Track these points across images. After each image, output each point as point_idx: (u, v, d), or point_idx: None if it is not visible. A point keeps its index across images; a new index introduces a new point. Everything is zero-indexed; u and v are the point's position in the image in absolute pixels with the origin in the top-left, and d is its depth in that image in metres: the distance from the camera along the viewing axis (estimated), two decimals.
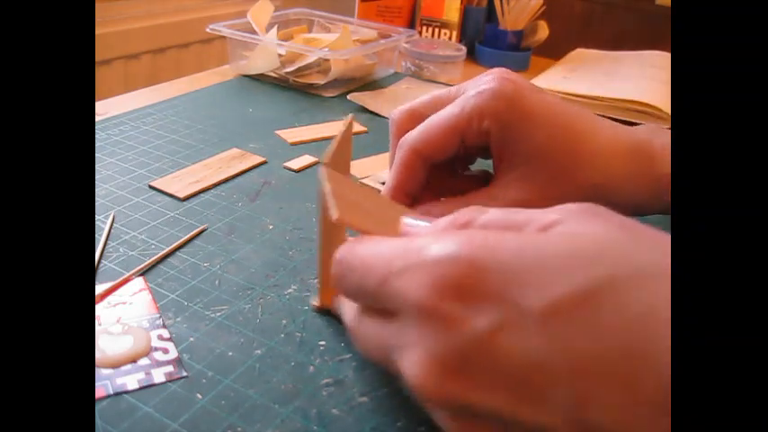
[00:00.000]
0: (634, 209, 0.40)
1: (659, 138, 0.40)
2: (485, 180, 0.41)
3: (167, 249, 0.41)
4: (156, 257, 0.40)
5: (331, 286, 0.27)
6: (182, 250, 0.42)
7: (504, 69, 0.40)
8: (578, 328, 0.19)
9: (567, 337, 0.19)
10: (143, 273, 0.39)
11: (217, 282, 0.39)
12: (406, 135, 0.40)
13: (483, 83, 0.39)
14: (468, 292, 0.20)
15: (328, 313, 0.37)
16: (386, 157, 0.57)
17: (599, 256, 0.20)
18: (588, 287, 0.19)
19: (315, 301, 0.37)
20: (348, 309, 0.28)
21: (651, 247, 0.21)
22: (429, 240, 0.22)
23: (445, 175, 0.42)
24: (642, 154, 0.39)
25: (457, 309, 0.20)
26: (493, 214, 0.25)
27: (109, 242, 0.42)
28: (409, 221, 0.27)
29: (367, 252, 0.24)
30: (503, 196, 0.39)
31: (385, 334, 0.24)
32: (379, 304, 0.24)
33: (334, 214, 0.25)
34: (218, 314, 0.36)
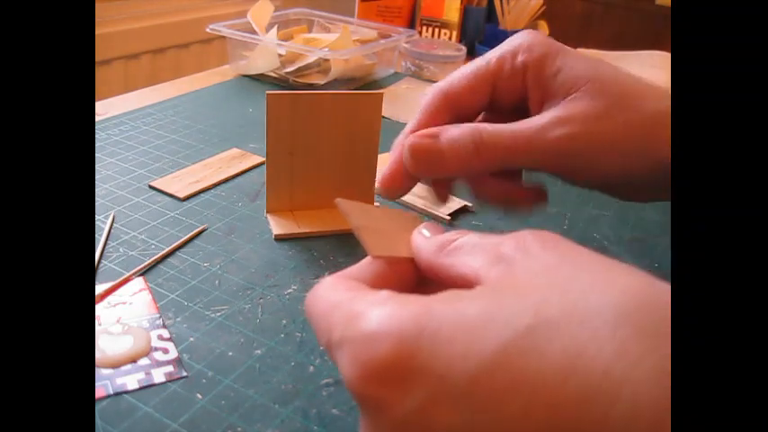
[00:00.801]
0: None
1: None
2: (538, 190, 0.37)
3: (167, 249, 0.41)
4: (156, 257, 0.40)
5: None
6: (182, 250, 0.42)
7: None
8: (502, 394, 0.18)
9: (492, 406, 0.18)
10: (143, 273, 0.39)
11: (217, 282, 0.39)
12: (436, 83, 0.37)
13: (510, 39, 0.36)
14: (395, 374, 0.20)
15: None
16: (386, 156, 0.57)
17: (521, 305, 0.19)
18: (511, 342, 0.18)
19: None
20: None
21: (588, 283, 0.20)
22: (369, 305, 0.21)
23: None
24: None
25: (384, 392, 0.20)
26: (468, 239, 0.24)
27: (109, 242, 0.42)
28: (414, 241, 0.27)
29: (320, 306, 0.24)
30: (537, 118, 0.34)
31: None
32: None
33: (370, 252, 0.26)
34: (218, 314, 0.36)
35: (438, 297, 0.21)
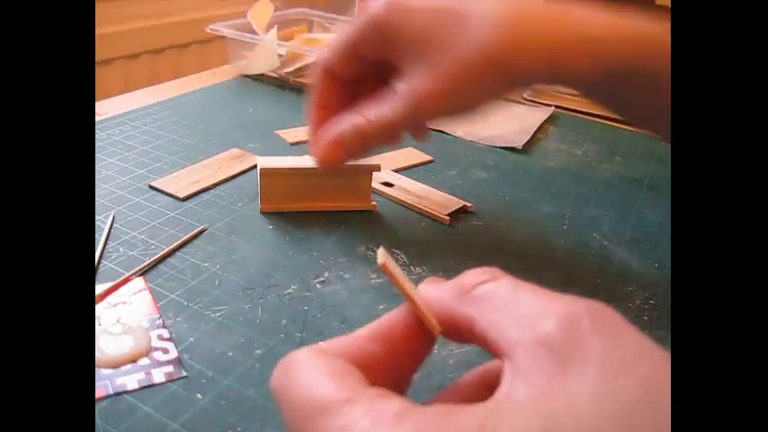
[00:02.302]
0: (555, 72, 0.38)
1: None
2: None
3: (167, 249, 0.41)
4: (156, 257, 0.40)
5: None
6: (182, 250, 0.42)
7: None
8: None
9: None
10: (143, 273, 0.39)
11: (217, 282, 0.39)
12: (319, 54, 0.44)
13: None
14: None
15: None
16: (386, 156, 0.57)
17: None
18: None
19: None
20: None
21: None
22: (369, 422, 0.17)
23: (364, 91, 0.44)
24: (549, 18, 0.38)
25: None
26: (494, 290, 0.20)
27: (109, 242, 0.42)
28: (423, 291, 0.22)
29: (297, 397, 0.18)
30: (403, 89, 0.40)
31: None
32: None
33: (437, 332, 0.21)
34: (218, 314, 0.36)
35: (472, 418, 0.16)
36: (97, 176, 0.50)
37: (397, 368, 0.21)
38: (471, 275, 0.21)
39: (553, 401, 0.16)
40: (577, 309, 0.18)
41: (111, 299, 0.36)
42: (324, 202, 0.48)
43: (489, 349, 0.19)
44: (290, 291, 0.39)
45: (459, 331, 0.20)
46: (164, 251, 0.41)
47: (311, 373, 0.18)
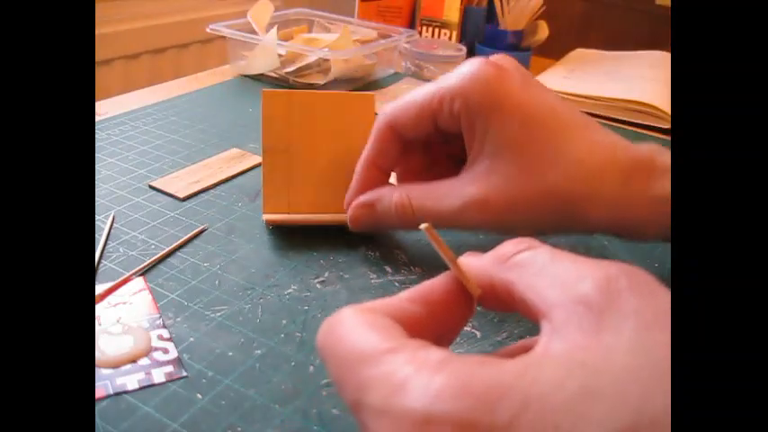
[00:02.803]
0: (621, 229, 0.37)
1: (662, 156, 0.36)
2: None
3: (167, 249, 0.41)
4: (156, 257, 0.40)
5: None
6: (182, 250, 0.42)
7: (502, 56, 0.38)
8: None
9: None
10: (143, 273, 0.39)
11: (217, 282, 0.39)
12: (385, 108, 0.40)
13: (467, 64, 0.37)
14: None
15: None
16: None
17: (615, 408, 0.16)
18: None
19: None
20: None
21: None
22: (418, 371, 0.17)
23: (424, 156, 0.42)
24: (638, 170, 0.35)
25: None
26: (534, 257, 0.21)
27: (109, 242, 0.42)
28: (464, 260, 0.23)
29: (344, 350, 0.19)
30: (458, 192, 0.37)
31: None
32: None
33: (476, 293, 0.22)
34: (218, 314, 0.36)
35: (512, 366, 0.17)
36: (97, 176, 0.50)
37: (437, 330, 0.21)
38: (510, 245, 0.21)
39: (591, 354, 0.16)
40: (614, 270, 0.18)
41: (111, 299, 0.36)
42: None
43: (527, 313, 0.20)
44: (290, 291, 0.39)
45: (498, 296, 0.21)
46: (164, 251, 0.41)
47: (355, 327, 0.19)
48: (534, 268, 0.20)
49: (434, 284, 0.22)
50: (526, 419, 0.15)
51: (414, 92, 0.39)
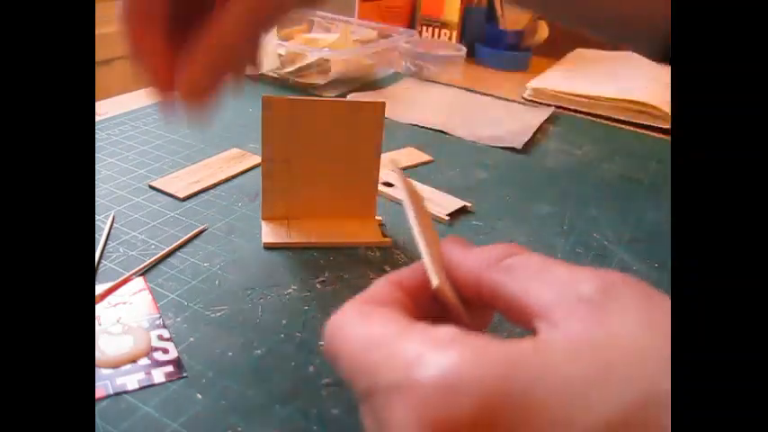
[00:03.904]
0: None
1: None
2: None
3: (167, 249, 0.41)
4: (156, 257, 0.40)
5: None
6: (182, 250, 0.42)
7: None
8: None
9: None
10: (143, 273, 0.39)
11: (217, 282, 0.39)
12: None
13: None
14: None
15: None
16: (386, 156, 0.57)
17: (627, 383, 0.16)
18: (618, 426, 0.16)
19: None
20: None
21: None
22: (430, 347, 0.17)
23: None
24: None
25: None
26: (528, 260, 0.21)
27: (109, 242, 0.42)
28: (448, 251, 0.23)
29: (352, 343, 0.19)
30: None
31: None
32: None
33: (434, 282, 0.22)
34: (218, 314, 0.36)
35: (521, 346, 0.17)
36: (97, 176, 0.50)
37: (425, 316, 0.21)
38: (502, 248, 0.21)
39: (598, 337, 0.17)
40: (611, 275, 0.19)
41: (111, 299, 0.36)
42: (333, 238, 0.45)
43: (513, 315, 0.20)
44: (289, 291, 0.39)
45: (481, 295, 0.21)
46: (164, 251, 0.41)
47: (359, 321, 0.20)
48: (528, 272, 0.20)
49: (404, 272, 0.22)
50: (543, 388, 0.16)
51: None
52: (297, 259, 0.42)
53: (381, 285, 0.22)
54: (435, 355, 0.17)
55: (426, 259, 0.22)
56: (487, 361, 0.16)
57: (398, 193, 0.22)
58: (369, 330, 0.19)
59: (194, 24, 0.34)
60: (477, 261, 0.22)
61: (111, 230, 0.43)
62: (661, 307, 0.18)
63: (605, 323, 0.17)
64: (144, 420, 0.29)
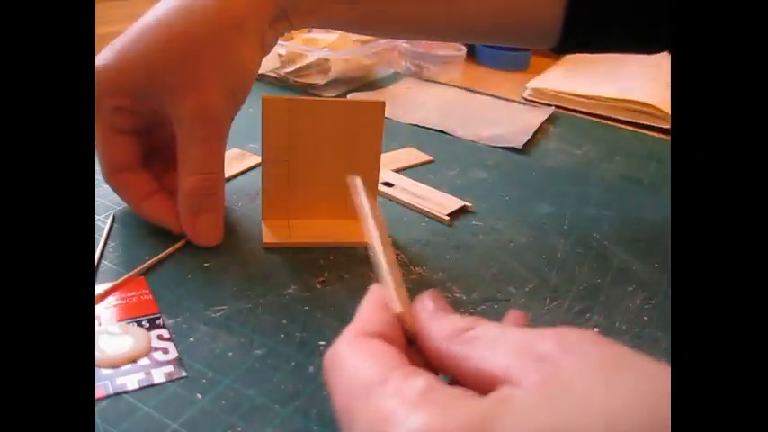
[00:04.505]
0: None
1: None
2: None
3: (168, 250, 0.41)
4: (156, 258, 0.40)
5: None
6: (182, 250, 0.42)
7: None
8: None
9: None
10: (143, 273, 0.39)
11: (217, 282, 0.39)
12: None
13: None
14: None
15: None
16: (386, 156, 0.57)
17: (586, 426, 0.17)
18: None
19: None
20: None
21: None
22: (402, 404, 0.19)
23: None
24: None
25: None
26: (487, 331, 0.22)
27: (109, 242, 0.42)
28: (421, 318, 0.24)
29: (341, 384, 0.21)
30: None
31: None
32: None
33: (397, 308, 0.23)
34: (218, 314, 0.36)
35: (485, 403, 0.18)
36: (97, 176, 0.50)
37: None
38: (462, 321, 0.23)
39: (554, 386, 0.18)
40: (563, 329, 0.20)
41: (110, 299, 0.36)
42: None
43: (478, 384, 0.21)
44: (290, 291, 0.39)
45: (444, 366, 0.23)
46: (164, 252, 0.41)
47: (350, 359, 0.21)
48: (487, 341, 0.21)
49: (370, 296, 0.24)
50: None
51: None
52: (297, 259, 0.42)
53: (372, 310, 0.24)
54: (406, 416, 0.18)
55: (390, 285, 0.23)
56: (454, 420, 0.18)
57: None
58: (355, 373, 0.21)
59: (164, 148, 0.43)
60: (440, 334, 0.23)
61: (111, 230, 0.43)
62: (612, 350, 0.19)
63: (562, 372, 0.18)
64: (144, 420, 0.29)
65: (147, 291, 0.37)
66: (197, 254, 0.41)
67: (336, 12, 0.45)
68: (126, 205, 0.46)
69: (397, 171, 0.56)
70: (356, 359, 0.21)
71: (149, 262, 0.40)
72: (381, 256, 0.24)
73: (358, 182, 0.28)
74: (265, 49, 0.44)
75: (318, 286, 0.39)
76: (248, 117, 0.66)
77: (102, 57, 0.40)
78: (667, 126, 0.73)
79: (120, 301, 0.36)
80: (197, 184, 0.40)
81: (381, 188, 0.51)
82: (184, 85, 0.39)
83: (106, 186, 0.48)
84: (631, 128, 0.74)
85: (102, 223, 0.44)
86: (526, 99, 0.80)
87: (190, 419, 0.29)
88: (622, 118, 0.75)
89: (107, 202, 0.47)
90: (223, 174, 0.42)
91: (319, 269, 0.41)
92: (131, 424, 0.29)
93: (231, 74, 0.41)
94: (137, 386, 0.31)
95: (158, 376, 0.31)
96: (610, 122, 0.75)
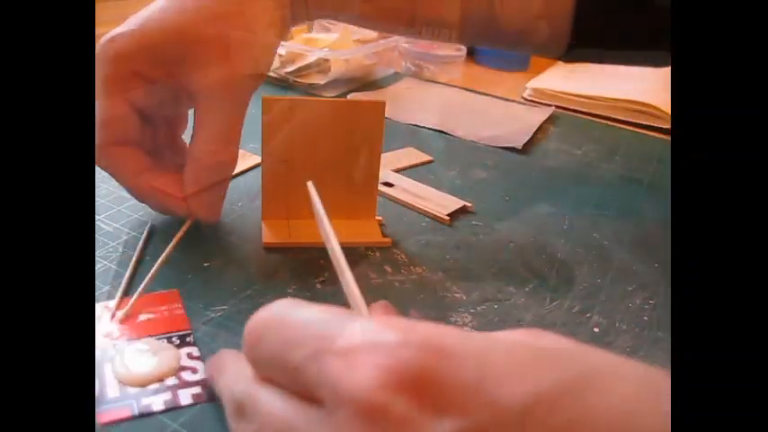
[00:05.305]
0: None
1: None
2: None
3: (168, 250, 0.41)
4: (158, 262, 0.40)
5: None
6: (181, 250, 0.42)
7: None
8: (563, 419, 0.17)
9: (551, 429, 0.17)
10: (170, 285, 0.39)
11: (217, 282, 0.39)
12: None
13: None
14: (431, 388, 0.17)
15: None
16: (386, 156, 0.57)
17: (569, 355, 0.19)
18: (568, 380, 0.17)
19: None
20: (233, 382, 0.25)
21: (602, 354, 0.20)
22: (375, 322, 0.19)
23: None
24: None
25: (413, 411, 0.16)
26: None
27: (109, 242, 0.42)
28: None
29: (302, 317, 0.21)
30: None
31: (297, 422, 0.19)
32: (298, 385, 0.20)
33: (371, 315, 0.24)
34: (218, 314, 0.36)
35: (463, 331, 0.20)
36: (97, 176, 0.50)
37: None
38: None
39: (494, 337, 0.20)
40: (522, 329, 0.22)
41: (141, 311, 0.35)
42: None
43: None
44: (290, 291, 0.39)
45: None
46: (164, 252, 0.41)
47: (298, 310, 0.22)
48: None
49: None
50: (482, 360, 0.18)
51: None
52: (297, 259, 0.42)
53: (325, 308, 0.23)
54: (383, 327, 0.19)
55: (354, 293, 0.24)
56: (429, 332, 0.19)
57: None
58: (308, 313, 0.21)
59: (164, 128, 0.44)
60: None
61: (148, 243, 0.43)
62: (566, 342, 0.21)
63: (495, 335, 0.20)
64: (144, 420, 0.29)
65: (180, 305, 0.36)
66: (197, 254, 0.41)
67: (351, 5, 0.46)
68: (126, 205, 0.46)
69: (397, 171, 0.56)
70: (302, 308, 0.22)
71: (153, 271, 0.39)
72: (339, 255, 0.26)
73: (311, 187, 0.31)
74: (284, 34, 0.45)
75: (318, 286, 0.39)
76: (248, 117, 0.65)
77: (123, 26, 0.40)
78: (667, 126, 0.73)
79: (150, 315, 0.35)
80: (213, 156, 0.41)
81: (381, 188, 0.51)
82: (215, 56, 0.39)
83: (106, 186, 0.49)
84: (631, 128, 0.74)
85: (103, 223, 0.44)
86: (526, 99, 0.80)
87: (190, 419, 0.29)
88: (622, 118, 0.75)
89: (107, 202, 0.46)
90: (237, 151, 0.42)
91: (319, 269, 0.41)
92: (131, 423, 0.29)
93: (257, 51, 0.41)
94: (162, 407, 0.29)
95: (185, 398, 0.30)
96: (610, 122, 0.75)
